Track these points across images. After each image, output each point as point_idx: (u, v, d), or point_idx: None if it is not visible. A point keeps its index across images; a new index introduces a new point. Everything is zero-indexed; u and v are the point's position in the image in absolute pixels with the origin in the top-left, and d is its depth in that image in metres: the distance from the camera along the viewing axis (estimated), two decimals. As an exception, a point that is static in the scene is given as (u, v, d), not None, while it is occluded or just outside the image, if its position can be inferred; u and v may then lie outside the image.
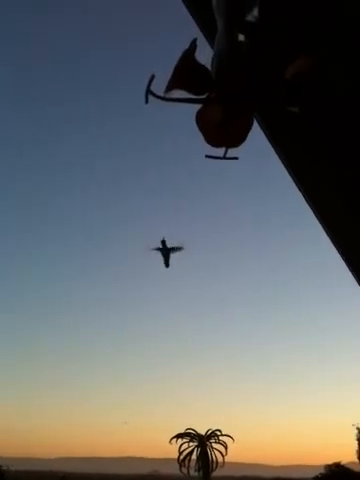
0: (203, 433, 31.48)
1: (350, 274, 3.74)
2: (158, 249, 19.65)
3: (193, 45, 1.37)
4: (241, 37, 1.46)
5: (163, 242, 19.48)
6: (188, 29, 1.85)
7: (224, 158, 1.56)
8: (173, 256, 19.71)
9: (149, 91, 1.34)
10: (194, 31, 1.82)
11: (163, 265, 19.86)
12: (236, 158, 1.58)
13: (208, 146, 1.53)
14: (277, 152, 2.40)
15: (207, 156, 1.55)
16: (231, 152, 1.57)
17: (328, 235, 3.25)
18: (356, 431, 30.85)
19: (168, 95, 1.38)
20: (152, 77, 1.34)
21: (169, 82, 1.36)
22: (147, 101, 1.35)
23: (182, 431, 31.28)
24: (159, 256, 19.70)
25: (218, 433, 31.33)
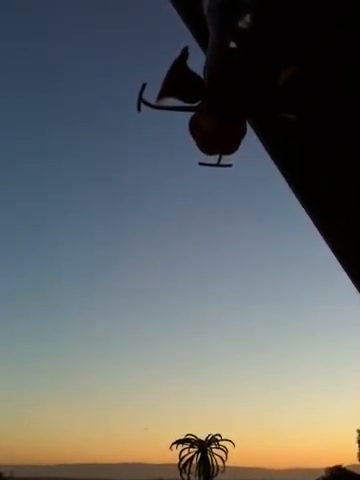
0: (203, 439, 31.40)
1: (350, 283, 3.74)
2: None
3: (184, 53, 1.37)
4: (233, 44, 1.45)
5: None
6: (182, 37, 1.85)
7: (218, 165, 1.55)
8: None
9: (141, 99, 1.33)
10: (187, 39, 1.82)
11: None
12: (230, 165, 1.57)
13: (202, 153, 1.53)
14: (272, 159, 2.40)
15: (201, 163, 1.54)
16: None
17: (326, 241, 3.25)
18: (357, 434, 30.83)
19: (160, 103, 1.37)
20: (143, 86, 1.34)
21: (161, 90, 1.35)
22: (139, 109, 1.34)
23: (182, 437, 31.22)
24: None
25: (218, 438, 31.25)
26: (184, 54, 1.36)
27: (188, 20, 1.90)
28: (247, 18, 1.53)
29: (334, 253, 3.42)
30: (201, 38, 1.74)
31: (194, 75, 1.40)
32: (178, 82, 1.36)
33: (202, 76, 1.42)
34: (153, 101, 1.36)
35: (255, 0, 1.55)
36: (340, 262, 3.52)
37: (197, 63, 1.47)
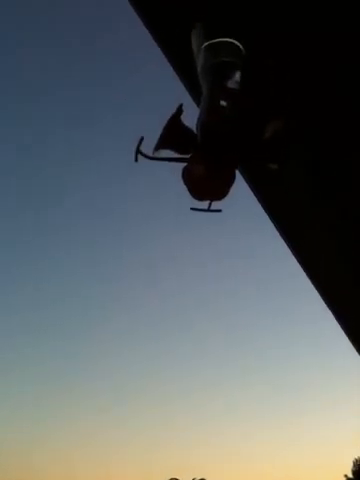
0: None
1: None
2: None
3: (179, 109, 1.51)
4: (223, 102, 1.60)
5: None
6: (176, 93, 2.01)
7: (208, 210, 1.67)
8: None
9: (139, 151, 1.47)
10: (182, 95, 1.99)
11: None
12: (220, 211, 1.69)
13: (194, 200, 1.65)
14: (260, 202, 2.54)
15: (192, 209, 1.66)
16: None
17: (321, 296, 3.34)
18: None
19: (156, 155, 1.50)
20: (141, 139, 1.47)
21: (158, 143, 1.49)
22: (136, 160, 1.47)
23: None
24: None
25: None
26: (179, 110, 1.50)
27: (184, 78, 2.07)
28: (236, 78, 1.70)
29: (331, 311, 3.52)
30: (195, 92, 1.90)
31: (187, 129, 1.54)
32: (173, 135, 1.50)
33: (194, 129, 1.57)
34: (149, 152, 1.50)
35: (243, 63, 1.71)
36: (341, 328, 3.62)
37: (190, 116, 1.62)
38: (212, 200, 1.66)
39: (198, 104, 1.69)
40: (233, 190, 1.72)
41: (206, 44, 1.80)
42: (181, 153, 1.54)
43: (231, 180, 1.67)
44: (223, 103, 1.59)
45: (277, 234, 2.86)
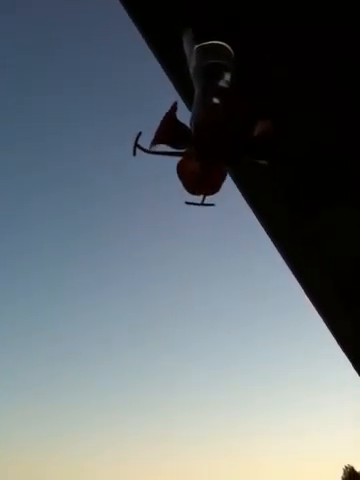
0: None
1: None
2: None
3: (174, 106, 1.59)
4: (215, 100, 1.68)
5: None
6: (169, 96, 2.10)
7: (202, 205, 1.75)
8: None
9: (137, 145, 1.54)
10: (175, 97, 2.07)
11: None
12: (213, 205, 1.78)
13: (188, 194, 1.73)
14: (247, 201, 2.62)
15: (186, 202, 1.74)
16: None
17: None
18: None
19: (153, 149, 1.58)
20: (139, 133, 1.55)
21: (154, 138, 1.56)
22: (135, 154, 1.55)
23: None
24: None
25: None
26: (174, 107, 1.59)
27: (175, 78, 2.15)
28: (227, 79, 1.79)
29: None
30: (187, 94, 1.98)
31: (182, 125, 1.62)
32: (169, 131, 1.58)
33: (189, 126, 1.64)
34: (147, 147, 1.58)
35: (235, 64, 1.80)
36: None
37: (182, 119, 1.70)
38: (206, 194, 1.74)
39: (190, 108, 1.77)
40: (224, 186, 1.82)
41: (197, 46, 1.88)
42: (177, 148, 1.62)
43: (223, 176, 1.75)
44: (216, 100, 1.68)
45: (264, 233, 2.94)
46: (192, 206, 1.76)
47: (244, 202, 2.69)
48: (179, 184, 1.73)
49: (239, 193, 2.63)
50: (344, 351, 4.02)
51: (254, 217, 2.83)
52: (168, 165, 1.64)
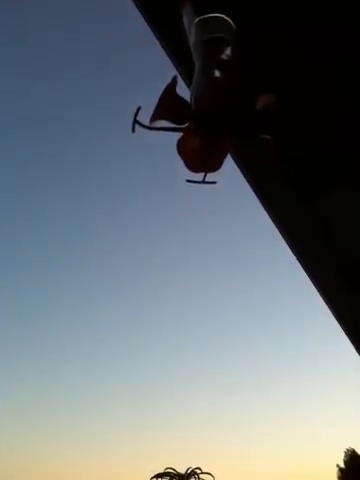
0: (183, 472, 30.89)
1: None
2: None
3: (174, 80, 1.54)
4: (217, 73, 1.63)
5: None
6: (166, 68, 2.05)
7: (203, 182, 1.71)
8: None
9: (136, 121, 1.50)
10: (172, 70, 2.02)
11: None
12: (214, 182, 1.73)
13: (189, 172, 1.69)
14: (246, 179, 2.58)
15: (187, 180, 1.70)
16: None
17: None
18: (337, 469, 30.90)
19: (153, 125, 1.53)
20: (138, 109, 1.50)
21: (154, 113, 1.52)
22: (134, 130, 1.50)
23: (162, 471, 30.68)
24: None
25: (198, 471, 30.77)
26: (174, 81, 1.54)
27: (174, 54, 2.10)
28: (227, 52, 1.74)
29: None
30: (185, 69, 1.93)
31: (182, 100, 1.57)
32: (169, 105, 1.53)
33: (189, 101, 1.60)
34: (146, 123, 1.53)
35: (235, 37, 1.75)
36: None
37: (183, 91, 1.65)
38: (207, 172, 1.70)
39: (189, 84, 1.72)
40: (225, 164, 1.78)
41: (197, 20, 1.83)
42: (177, 123, 1.58)
43: (225, 153, 1.71)
44: (217, 74, 1.63)
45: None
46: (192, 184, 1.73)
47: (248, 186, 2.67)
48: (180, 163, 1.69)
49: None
50: (347, 335, 4.03)
51: (256, 200, 2.81)
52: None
